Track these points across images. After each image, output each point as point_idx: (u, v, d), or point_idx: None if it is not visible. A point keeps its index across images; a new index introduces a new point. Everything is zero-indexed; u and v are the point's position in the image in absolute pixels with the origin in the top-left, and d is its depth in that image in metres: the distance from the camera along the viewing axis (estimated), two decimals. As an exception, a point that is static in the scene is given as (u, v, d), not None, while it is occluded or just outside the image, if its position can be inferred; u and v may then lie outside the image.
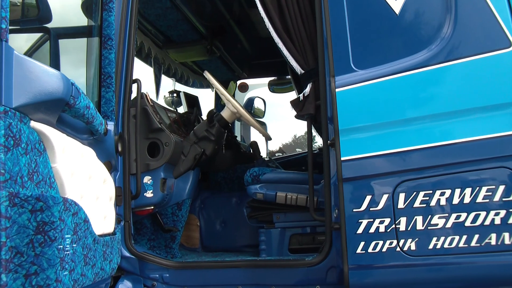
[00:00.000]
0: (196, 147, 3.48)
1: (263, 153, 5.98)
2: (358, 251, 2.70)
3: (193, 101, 4.12)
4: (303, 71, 3.05)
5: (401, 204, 2.69)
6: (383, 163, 2.74)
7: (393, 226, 2.69)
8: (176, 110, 4.46)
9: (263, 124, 6.14)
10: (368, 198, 2.72)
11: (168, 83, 5.37)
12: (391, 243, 2.69)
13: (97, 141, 2.64)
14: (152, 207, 3.25)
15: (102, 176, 2.65)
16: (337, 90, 2.81)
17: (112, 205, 2.79)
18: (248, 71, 5.54)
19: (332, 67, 2.85)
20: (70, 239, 2.10)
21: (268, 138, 3.72)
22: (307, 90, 3.03)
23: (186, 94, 4.11)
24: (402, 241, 2.68)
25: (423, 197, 2.68)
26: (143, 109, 3.24)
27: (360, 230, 2.72)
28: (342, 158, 2.76)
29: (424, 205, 2.67)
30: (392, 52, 2.85)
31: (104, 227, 2.64)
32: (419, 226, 2.68)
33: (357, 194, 2.75)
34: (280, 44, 3.07)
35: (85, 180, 2.44)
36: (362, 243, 2.71)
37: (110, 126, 2.74)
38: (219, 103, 5.40)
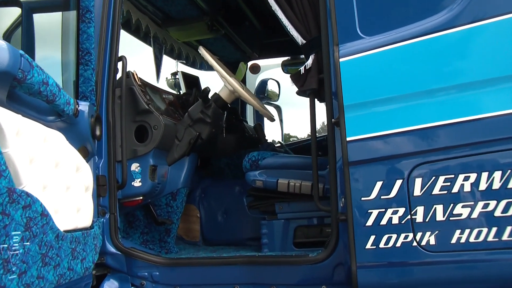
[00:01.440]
0: (191, 131, 3.14)
1: (278, 138, 5.61)
2: (368, 246, 2.33)
3: (192, 82, 3.78)
4: (304, 41, 2.67)
5: (417, 191, 2.30)
6: (395, 143, 2.34)
7: (408, 217, 2.30)
8: (179, 92, 4.13)
9: (278, 108, 5.75)
10: (379, 184, 2.34)
11: (173, 65, 5.06)
12: (406, 237, 2.31)
13: (68, 124, 2.34)
14: (141, 198, 2.94)
15: (74, 163, 2.35)
16: (341, 60, 2.43)
17: (89, 196, 2.49)
18: (259, 51, 5.12)
19: (335, 34, 2.47)
20: (20, 237, 1.80)
21: (270, 119, 3.36)
22: (309, 62, 2.65)
23: (184, 74, 3.78)
24: (419, 235, 2.29)
25: (444, 182, 2.28)
26: (129, 89, 2.91)
27: (369, 222, 2.34)
28: (348, 139, 2.38)
29: (445, 191, 2.27)
30: (405, 14, 2.44)
31: (78, 221, 2.34)
32: (439, 216, 2.28)
33: (365, 180, 2.37)
34: (279, 12, 2.69)
35: (49, 168, 2.13)
36: (372, 237, 2.33)
37: (84, 106, 2.42)
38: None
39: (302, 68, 2.66)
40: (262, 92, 5.30)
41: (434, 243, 2.27)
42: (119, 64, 2.86)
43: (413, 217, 2.30)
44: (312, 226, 2.92)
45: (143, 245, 3.16)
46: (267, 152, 3.03)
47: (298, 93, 2.74)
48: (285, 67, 5.33)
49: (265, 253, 2.91)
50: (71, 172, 2.31)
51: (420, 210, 2.29)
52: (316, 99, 2.71)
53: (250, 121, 5.34)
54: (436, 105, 2.33)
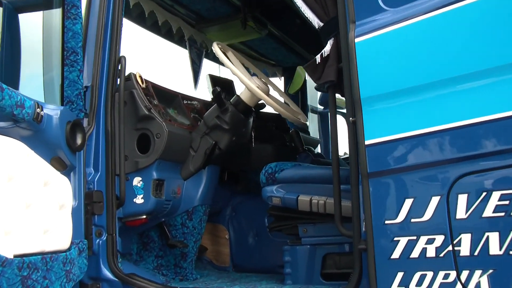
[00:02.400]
0: (207, 139, 2.71)
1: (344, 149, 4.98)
2: (394, 287, 1.73)
3: (222, 85, 3.34)
4: (321, 24, 2.14)
5: (461, 213, 1.67)
6: (430, 146, 1.74)
7: (449, 248, 1.68)
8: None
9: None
10: (408, 203, 1.74)
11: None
12: (446, 276, 1.68)
13: (31, 131, 2.01)
14: (145, 216, 2.55)
15: (39, 177, 2.01)
16: (357, 40, 1.87)
17: (65, 214, 2.14)
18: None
19: (352, 8, 1.92)
20: None
21: (300, 124, 2.83)
22: (327, 48, 2.11)
23: (213, 77, 3.37)
24: (465, 274, 1.66)
25: (500, 200, 1.63)
26: (129, 93, 2.55)
27: (396, 254, 1.74)
28: (367, 142, 1.81)
29: (502, 213, 1.63)
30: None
31: (44, 244, 1.99)
32: (494, 249, 1.63)
33: (390, 196, 1.78)
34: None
35: (-2, 182, 1.81)
36: (400, 275, 1.73)
37: (52, 111, 2.08)
38: (287, 93, 4.56)
39: (318, 57, 2.12)
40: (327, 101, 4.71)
41: (487, 287, 1.63)
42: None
43: (455, 248, 1.67)
44: (344, 254, 2.34)
45: (156, 270, 2.76)
46: (286, 163, 2.50)
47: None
48: None
49: (286, 286, 2.38)
50: (33, 187, 1.97)
51: (465, 239, 1.66)
52: (338, 95, 2.16)
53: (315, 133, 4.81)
54: (488, 92, 1.70)
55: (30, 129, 1.99)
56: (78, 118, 2.31)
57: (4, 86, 1.80)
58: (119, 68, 2.52)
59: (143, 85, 2.62)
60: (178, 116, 2.84)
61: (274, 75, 4.67)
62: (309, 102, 4.65)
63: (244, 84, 2.59)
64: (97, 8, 2.54)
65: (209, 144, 2.70)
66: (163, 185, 2.60)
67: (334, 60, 2.08)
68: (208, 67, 4.16)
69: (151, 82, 2.75)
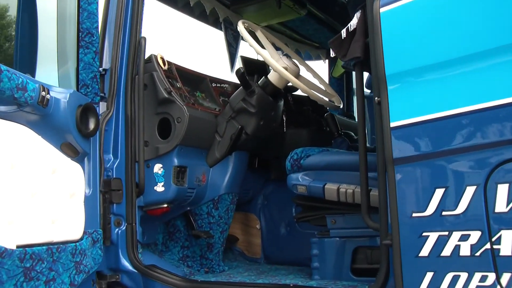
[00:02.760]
0: (234, 124, 2.56)
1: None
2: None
3: (256, 68, 3.16)
4: (347, -7, 1.93)
5: (501, 205, 1.43)
6: (464, 129, 1.50)
7: (487, 246, 1.45)
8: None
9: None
10: (439, 193, 1.52)
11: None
12: (483, 279, 1.45)
13: (37, 116, 1.92)
14: (166, 205, 2.43)
15: (46, 163, 1.93)
16: (382, 9, 1.65)
17: (77, 203, 2.05)
18: None
19: (377, -28, 1.70)
20: None
21: (334, 108, 2.62)
22: (353, 22, 1.89)
23: (245, 59, 3.19)
24: (506, 277, 1.42)
25: (549, 191, 1.38)
26: (149, 75, 2.43)
27: (425, 251, 1.53)
28: (393, 124, 1.59)
29: (551, 207, 1.38)
30: None
31: (52, 234, 1.91)
32: (541, 247, 1.39)
33: (419, 186, 1.56)
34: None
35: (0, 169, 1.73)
36: (429, 275, 1.52)
37: (60, 94, 1.98)
38: (332, 76, 4.32)
39: (343, 31, 1.91)
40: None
41: (532, 291, 1.39)
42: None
43: (494, 246, 1.43)
44: (377, 247, 2.12)
45: (181, 261, 2.65)
46: (313, 148, 2.30)
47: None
48: None
49: (315, 282, 2.20)
50: (40, 175, 1.89)
51: (506, 236, 1.42)
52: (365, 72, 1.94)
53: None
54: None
55: (36, 113, 1.90)
56: (92, 102, 2.22)
57: (3, 67, 1.71)
58: (138, 48, 2.40)
59: (165, 67, 2.49)
60: (205, 99, 2.70)
61: (318, 58, 4.42)
62: (355, 86, 4.40)
63: (269, 64, 2.41)
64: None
65: (235, 128, 2.54)
66: (186, 172, 2.47)
67: (361, 34, 1.86)
68: (247, 49, 3.99)
69: (175, 64, 2.62)
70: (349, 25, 1.90)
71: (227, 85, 2.92)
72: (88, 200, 2.16)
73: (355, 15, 1.89)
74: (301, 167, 2.23)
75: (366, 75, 4.45)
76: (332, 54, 1.97)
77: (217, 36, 3.81)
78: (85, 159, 2.16)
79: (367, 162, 1.86)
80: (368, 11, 1.75)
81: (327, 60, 4.24)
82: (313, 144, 2.69)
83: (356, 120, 4.23)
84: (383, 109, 1.61)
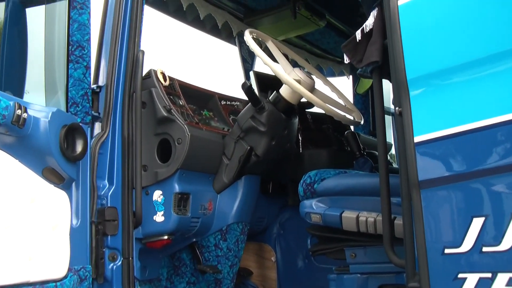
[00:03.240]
0: (242, 144, 2.30)
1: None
2: None
3: (270, 83, 2.91)
4: (362, -10, 1.67)
5: (560, 239, 1.12)
6: (508, 142, 1.20)
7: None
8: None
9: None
10: (478, 223, 1.21)
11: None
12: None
13: (13, 138, 1.71)
14: (167, 237, 2.18)
15: (23, 192, 1.70)
16: (401, 2, 1.38)
17: (58, 236, 1.81)
18: None
19: (394, -40, 1.43)
20: None
21: (354, 124, 2.33)
22: (369, 21, 1.63)
23: (257, 74, 2.95)
24: None
25: None
26: (148, 92, 2.21)
27: (462, 297, 1.22)
28: (417, 139, 1.31)
29: None
30: None
31: (29, 273, 1.68)
32: None
33: (452, 214, 1.26)
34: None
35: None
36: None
37: (38, 113, 1.76)
38: (356, 93, 4.03)
39: (358, 33, 1.64)
40: None
41: None
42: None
43: (553, 292, 1.12)
44: (403, 286, 1.81)
45: (187, 299, 2.39)
46: (329, 171, 2.02)
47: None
48: None
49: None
50: (15, 205, 1.67)
51: None
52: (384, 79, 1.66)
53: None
54: None
55: (11, 135, 1.69)
56: (83, 121, 2.00)
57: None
58: (136, 62, 2.19)
59: (166, 83, 2.27)
60: (213, 119, 2.47)
61: (342, 74, 4.15)
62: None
63: (279, 77, 2.16)
64: (115, -3, 2.24)
65: (244, 150, 2.29)
66: (189, 199, 2.22)
67: (379, 35, 1.59)
68: (264, 65, 3.76)
69: (179, 80, 2.39)
70: (364, 25, 1.63)
71: (238, 103, 2.68)
72: (75, 232, 1.92)
73: (371, 13, 1.63)
74: (315, 193, 1.95)
75: (391, 92, 4.20)
76: (346, 60, 1.70)
77: (231, 51, 3.61)
78: (72, 185, 1.93)
79: (389, 185, 1.57)
80: (385, 6, 1.49)
81: (351, 76, 3.97)
82: (334, 166, 2.40)
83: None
84: (405, 120, 1.32)
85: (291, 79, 2.13)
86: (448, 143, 1.25)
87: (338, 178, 1.95)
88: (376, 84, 1.61)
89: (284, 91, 2.30)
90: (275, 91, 2.34)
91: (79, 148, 1.91)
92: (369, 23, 1.62)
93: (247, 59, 3.50)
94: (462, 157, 1.24)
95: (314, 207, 1.91)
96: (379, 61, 1.56)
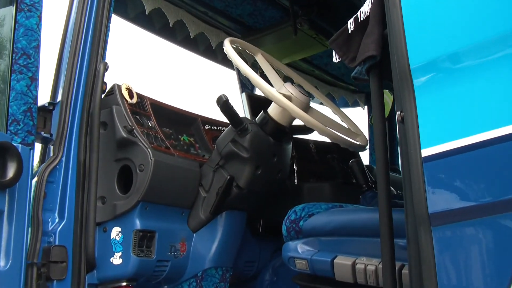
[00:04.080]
0: (222, 173, 1.92)
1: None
2: None
3: (263, 107, 2.55)
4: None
5: None
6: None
7: None
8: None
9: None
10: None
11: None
12: None
13: None
14: (126, 283, 1.78)
15: None
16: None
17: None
18: None
19: None
20: None
21: (358, 149, 1.93)
22: (365, 7, 1.26)
23: (250, 95, 2.58)
24: None
25: None
26: (109, 111, 1.86)
27: None
28: (425, 152, 0.91)
29: None
30: None
31: None
32: None
33: (477, 263, 0.85)
34: None
35: None
36: None
37: None
38: (371, 124, 3.61)
39: (351, 22, 1.28)
40: None
41: None
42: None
43: None
44: None
45: None
46: (320, 204, 1.61)
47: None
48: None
49: None
50: None
51: None
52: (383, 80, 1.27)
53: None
54: None
55: None
56: (23, 142, 1.65)
57: None
58: (96, 75, 1.85)
59: (132, 100, 1.92)
60: (193, 145, 2.10)
61: (356, 104, 3.76)
62: (400, 141, 3.64)
63: (262, 91, 1.79)
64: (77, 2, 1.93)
65: (224, 179, 1.90)
66: (154, 238, 1.83)
67: (376, 24, 1.22)
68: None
69: (150, 98, 2.04)
70: (358, 12, 1.26)
71: (224, 128, 2.32)
72: (4, 278, 1.54)
73: None
74: (300, 232, 1.54)
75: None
76: (335, 59, 1.33)
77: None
78: (2, 220, 1.56)
79: (392, 222, 1.16)
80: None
81: (366, 107, 3.56)
82: (336, 200, 2.00)
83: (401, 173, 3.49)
84: (409, 126, 0.93)
85: (279, 95, 1.76)
86: (470, 157, 0.85)
87: (330, 214, 1.54)
88: (374, 86, 1.23)
89: (272, 110, 1.93)
90: (262, 111, 1.97)
91: (9, 173, 1.55)
92: (365, 9, 1.26)
93: (247, 84, 3.14)
94: (491, 178, 0.84)
95: (299, 250, 1.49)
96: (377, 56, 1.19)
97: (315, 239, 1.49)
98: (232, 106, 1.85)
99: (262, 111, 1.95)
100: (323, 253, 1.45)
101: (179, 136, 2.08)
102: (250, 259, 2.23)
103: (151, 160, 1.77)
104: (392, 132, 3.39)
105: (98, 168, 1.77)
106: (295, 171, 2.20)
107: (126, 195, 1.80)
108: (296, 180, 2.19)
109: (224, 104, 1.82)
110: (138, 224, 1.78)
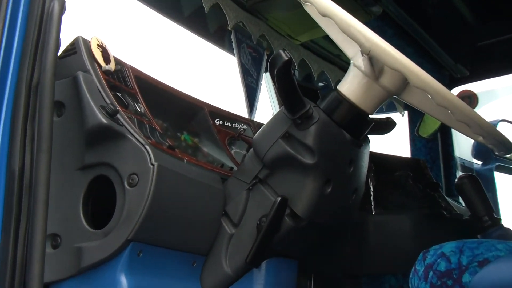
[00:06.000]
0: (265, 193, 1.11)
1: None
2: None
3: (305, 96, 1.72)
4: None
5: None
6: None
7: None
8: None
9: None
10: None
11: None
12: None
13: None
14: None
15: None
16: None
17: None
18: (471, 62, 2.53)
19: None
20: None
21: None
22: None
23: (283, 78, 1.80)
24: None
25: None
26: (71, 80, 1.05)
27: None
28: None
29: None
30: None
31: None
32: None
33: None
34: None
35: None
36: None
37: None
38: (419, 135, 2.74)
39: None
40: (486, 153, 2.73)
41: None
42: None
43: None
44: None
45: None
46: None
47: None
48: None
49: None
50: None
51: None
52: None
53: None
54: None
55: None
56: None
57: None
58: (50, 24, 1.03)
59: (108, 66, 1.11)
60: (200, 149, 1.31)
61: (392, 109, 2.83)
62: (457, 154, 2.81)
63: (348, 33, 0.99)
64: None
65: (270, 204, 1.09)
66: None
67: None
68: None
69: (134, 68, 1.24)
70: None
71: (241, 124, 1.51)
72: None
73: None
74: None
75: (471, 141, 2.93)
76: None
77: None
78: None
79: None
80: None
81: (405, 112, 2.68)
82: (431, 240, 1.20)
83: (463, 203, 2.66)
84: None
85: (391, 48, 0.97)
86: None
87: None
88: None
89: (349, 86, 1.13)
90: (332, 89, 1.17)
91: None
92: None
93: (250, 69, 2.28)
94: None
95: None
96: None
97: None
98: (293, 74, 1.07)
99: (333, 89, 1.16)
100: None
101: (178, 134, 1.29)
102: None
103: (152, 166, 0.95)
104: (447, 149, 2.60)
105: (48, 183, 0.94)
106: (371, 192, 1.40)
107: (102, 231, 0.97)
108: (373, 207, 1.39)
109: (285, 67, 1.02)
110: (124, 284, 0.95)
